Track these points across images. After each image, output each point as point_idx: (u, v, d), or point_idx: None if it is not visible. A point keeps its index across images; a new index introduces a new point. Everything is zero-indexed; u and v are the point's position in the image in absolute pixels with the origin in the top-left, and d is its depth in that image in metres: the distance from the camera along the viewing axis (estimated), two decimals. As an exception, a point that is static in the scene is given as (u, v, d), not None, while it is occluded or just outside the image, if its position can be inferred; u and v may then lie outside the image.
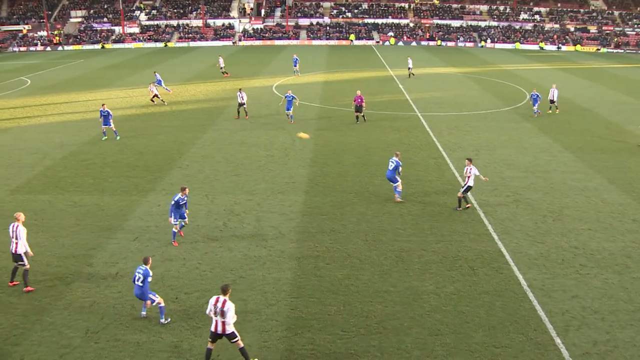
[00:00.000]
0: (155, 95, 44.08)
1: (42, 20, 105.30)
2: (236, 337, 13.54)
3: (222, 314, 13.28)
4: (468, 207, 23.07)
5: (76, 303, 16.47)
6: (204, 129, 36.59)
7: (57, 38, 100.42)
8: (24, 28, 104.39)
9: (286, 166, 28.68)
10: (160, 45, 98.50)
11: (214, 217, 22.48)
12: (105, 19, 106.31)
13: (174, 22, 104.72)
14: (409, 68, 57.98)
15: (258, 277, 17.75)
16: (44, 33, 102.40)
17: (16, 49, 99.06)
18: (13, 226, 17.24)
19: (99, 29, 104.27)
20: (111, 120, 34.06)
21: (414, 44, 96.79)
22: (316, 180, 26.50)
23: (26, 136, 36.27)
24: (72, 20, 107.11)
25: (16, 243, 17.17)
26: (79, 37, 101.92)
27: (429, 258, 18.95)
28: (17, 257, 17.29)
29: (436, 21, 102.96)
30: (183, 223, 20.38)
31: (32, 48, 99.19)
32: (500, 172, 27.67)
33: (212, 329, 13.45)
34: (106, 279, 17.83)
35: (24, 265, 17.35)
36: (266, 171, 27.93)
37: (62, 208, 23.89)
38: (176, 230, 20.11)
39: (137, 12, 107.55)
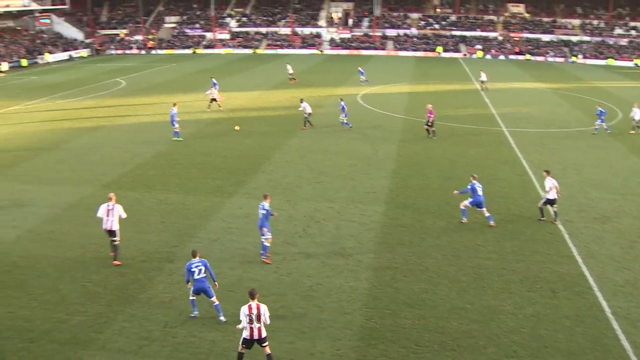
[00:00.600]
0: (214, 99, 44.46)
1: (138, 25, 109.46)
2: (267, 341, 13.64)
3: (259, 318, 13.41)
4: (542, 219, 22.75)
5: (157, 298, 16.96)
6: (289, 135, 37.02)
7: (152, 42, 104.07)
8: (122, 32, 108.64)
9: (368, 176, 28.58)
10: (249, 51, 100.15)
11: (295, 222, 22.67)
12: (197, 25, 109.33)
13: (263, 30, 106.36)
14: (482, 82, 56.87)
15: (335, 285, 17.77)
16: (139, 37, 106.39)
17: (113, 51, 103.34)
18: (108, 205, 18.99)
19: (191, 34, 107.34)
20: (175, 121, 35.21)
21: (501, 57, 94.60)
22: (397, 192, 26.31)
23: (118, 135, 37.81)
24: (166, 25, 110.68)
25: (111, 221, 18.87)
26: (171, 42, 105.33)
27: (509, 277, 18.46)
28: (112, 233, 19.00)
29: (526, 35, 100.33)
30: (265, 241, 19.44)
31: (128, 51, 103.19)
32: (587, 193, 26.68)
33: (248, 336, 13.44)
34: (187, 276, 18.29)
35: (116, 240, 19.05)
36: (348, 180, 27.94)
37: (148, 205, 24.73)
38: (269, 245, 19.38)
39: (228, 19, 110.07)
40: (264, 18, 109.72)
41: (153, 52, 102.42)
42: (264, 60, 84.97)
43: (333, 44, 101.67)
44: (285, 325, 15.65)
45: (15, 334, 15.36)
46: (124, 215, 19.26)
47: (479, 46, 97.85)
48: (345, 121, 38.15)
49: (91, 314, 16.24)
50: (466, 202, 22.61)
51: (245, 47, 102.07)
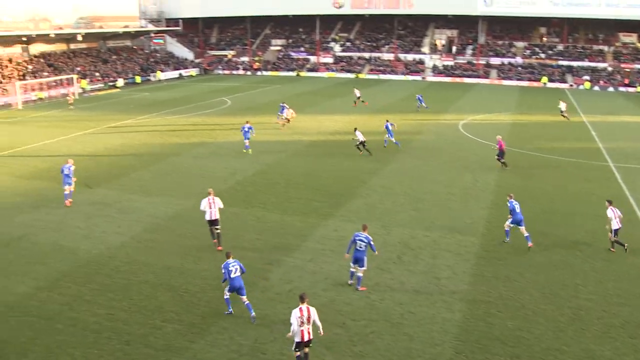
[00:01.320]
0: (287, 120, 47.33)
1: (245, 47, 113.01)
2: (311, 344, 14.15)
3: (310, 320, 13.93)
4: (613, 250, 22.53)
5: (249, 313, 17.09)
6: (388, 160, 36.86)
7: (257, 64, 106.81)
8: (229, 53, 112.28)
9: (466, 205, 27.94)
10: (352, 75, 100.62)
11: (389, 248, 22.42)
12: (302, 49, 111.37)
13: (366, 55, 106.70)
14: (562, 111, 55.07)
15: (427, 315, 17.45)
16: (246, 59, 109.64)
17: (221, 71, 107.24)
18: (209, 199, 21.77)
19: (295, 57, 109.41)
20: (250, 135, 38.48)
21: (610, 89, 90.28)
22: (495, 223, 25.43)
23: (222, 151, 39.08)
24: (272, 48, 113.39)
25: (214, 212, 21.64)
26: (276, 64, 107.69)
27: (610, 321, 17.35)
28: (215, 222, 21.77)
29: (637, 66, 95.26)
30: (357, 271, 18.91)
31: (234, 71, 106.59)
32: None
33: (299, 339, 13.94)
34: (280, 294, 18.49)
35: (219, 229, 21.88)
36: (445, 209, 27.42)
37: (246, 221, 25.25)
38: (362, 275, 18.94)
39: (332, 44, 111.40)
40: (368, 43, 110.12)
41: (258, 73, 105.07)
42: (365, 85, 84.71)
43: (436, 71, 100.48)
44: (373, 352, 15.46)
45: (113, 335, 16.06)
46: (222, 206, 21.85)
47: (586, 77, 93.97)
48: (394, 140, 39.34)
49: (186, 323, 16.68)
50: (508, 223, 22.77)
51: (348, 71, 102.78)
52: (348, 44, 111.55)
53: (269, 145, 40.91)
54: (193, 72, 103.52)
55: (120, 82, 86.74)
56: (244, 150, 38.22)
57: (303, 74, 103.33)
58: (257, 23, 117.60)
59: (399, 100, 67.96)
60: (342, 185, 31.05)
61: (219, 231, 21.96)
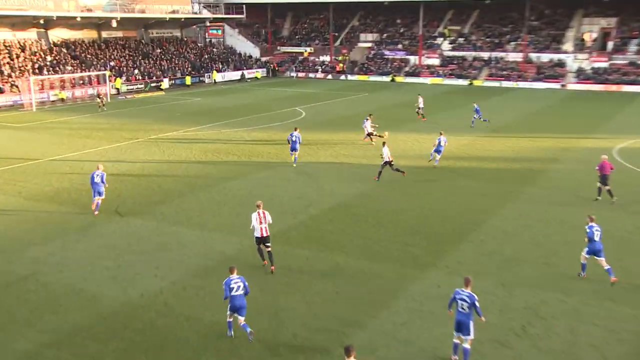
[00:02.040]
0: (370, 137, 49.61)
1: (326, 44, 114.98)
2: None
3: None
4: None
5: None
6: (509, 196, 36.24)
7: (341, 65, 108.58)
8: (306, 50, 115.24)
9: (621, 263, 26.17)
10: (464, 82, 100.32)
11: (510, 315, 21.81)
12: (399, 46, 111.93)
13: (485, 55, 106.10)
14: None
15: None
16: (326, 58, 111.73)
17: (294, 74, 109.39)
18: (258, 214, 24.28)
19: (390, 57, 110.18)
20: (298, 146, 41.80)
21: None
22: (663, 289, 24.17)
23: (292, 177, 39.52)
24: (360, 45, 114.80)
25: (264, 228, 24.20)
26: (366, 65, 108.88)
27: None
28: (266, 240, 24.27)
29: None
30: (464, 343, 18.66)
31: (311, 75, 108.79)
32: None
33: None
34: (362, 367, 18.26)
35: (269, 247, 24.35)
36: (592, 265, 26.02)
37: (320, 269, 25.19)
38: (469, 348, 18.53)
39: (440, 40, 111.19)
40: (487, 39, 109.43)
41: (342, 77, 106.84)
42: (482, 95, 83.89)
43: (582, 75, 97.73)
44: None
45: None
46: (271, 220, 24.41)
47: None
48: (437, 158, 42.42)
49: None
50: (584, 254, 24.29)
51: (459, 76, 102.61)
52: (460, 40, 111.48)
53: (353, 171, 41.05)
54: (258, 73, 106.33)
55: (165, 83, 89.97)
56: (294, 164, 41.56)
57: (400, 78, 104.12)
58: (342, 12, 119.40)
59: (529, 115, 66.99)
60: (448, 227, 30.69)
61: (269, 249, 24.46)
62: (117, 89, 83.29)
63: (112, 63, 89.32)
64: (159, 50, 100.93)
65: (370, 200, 34.83)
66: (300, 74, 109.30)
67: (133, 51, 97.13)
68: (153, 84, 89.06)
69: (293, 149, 42.03)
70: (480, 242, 28.84)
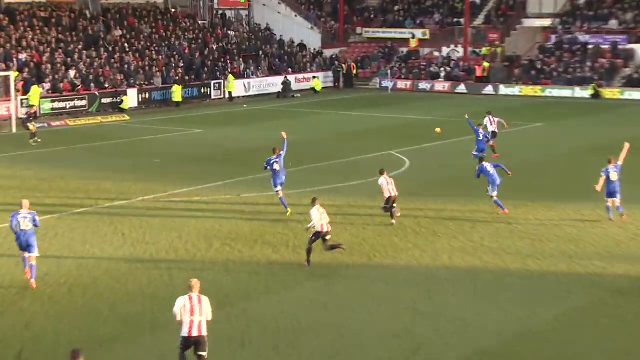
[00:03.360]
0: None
1: (454, 23, 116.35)
2: None
3: None
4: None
5: None
6: None
7: (486, 63, 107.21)
8: (413, 36, 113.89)
9: None
10: None
11: None
12: (613, 23, 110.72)
13: None
14: None
15: None
16: (457, 50, 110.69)
17: (390, 82, 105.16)
18: (190, 298, 26.36)
19: (590, 46, 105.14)
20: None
21: None
22: None
23: (374, 289, 35.63)
24: (526, 23, 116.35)
25: (197, 323, 27.06)
26: (538, 64, 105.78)
27: None
28: (199, 341, 26.65)
29: None
30: None
31: (422, 84, 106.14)
32: None
33: None
34: None
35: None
36: None
37: None
38: None
39: None
40: None
41: (487, 88, 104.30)
42: None
43: None
44: None
45: None
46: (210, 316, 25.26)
47: None
48: (495, 198, 45.21)
49: None
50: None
51: None
52: None
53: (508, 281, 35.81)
54: (317, 81, 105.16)
55: (130, 97, 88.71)
56: (287, 212, 43.69)
57: (611, 92, 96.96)
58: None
59: None
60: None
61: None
62: (31, 105, 79.33)
63: (23, 56, 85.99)
64: (119, 33, 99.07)
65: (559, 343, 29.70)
66: (401, 83, 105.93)
67: (67, 33, 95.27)
68: (106, 100, 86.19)
69: (276, 185, 44.94)
70: None
